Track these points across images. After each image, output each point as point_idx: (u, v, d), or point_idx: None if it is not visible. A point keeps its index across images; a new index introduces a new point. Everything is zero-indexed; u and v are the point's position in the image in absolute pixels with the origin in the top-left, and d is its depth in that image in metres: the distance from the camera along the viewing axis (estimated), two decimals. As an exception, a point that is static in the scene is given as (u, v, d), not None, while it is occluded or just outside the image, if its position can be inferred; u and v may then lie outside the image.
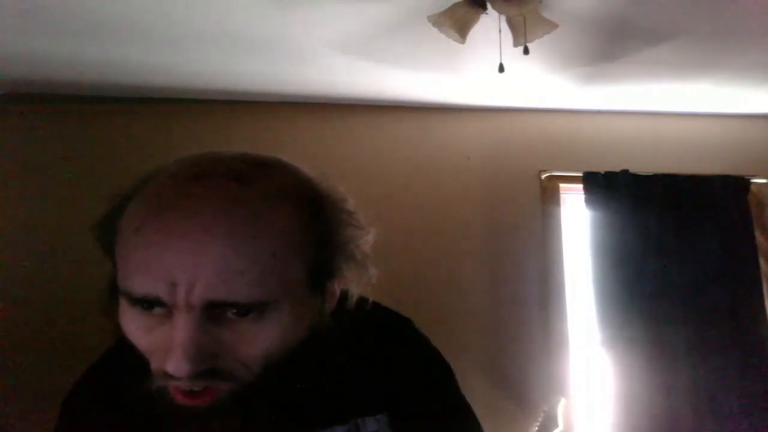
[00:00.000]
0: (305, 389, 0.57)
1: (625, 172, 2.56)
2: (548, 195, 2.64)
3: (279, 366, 0.51)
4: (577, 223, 2.63)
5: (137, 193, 0.52)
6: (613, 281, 2.47)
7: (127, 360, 0.54)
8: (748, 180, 2.63)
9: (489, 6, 1.59)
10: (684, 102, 2.63)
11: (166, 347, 0.47)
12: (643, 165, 2.61)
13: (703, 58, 2.15)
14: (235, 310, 0.48)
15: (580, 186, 2.58)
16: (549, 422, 2.17)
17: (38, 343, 2.22)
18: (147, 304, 0.48)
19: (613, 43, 2.00)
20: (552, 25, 1.61)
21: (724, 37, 1.97)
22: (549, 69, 2.23)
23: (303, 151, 2.62)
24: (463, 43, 1.65)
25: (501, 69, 1.74)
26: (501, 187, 2.62)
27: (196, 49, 2.04)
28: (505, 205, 2.61)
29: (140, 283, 0.47)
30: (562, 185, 2.65)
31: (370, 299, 0.63)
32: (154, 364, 0.49)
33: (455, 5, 1.59)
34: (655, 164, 2.64)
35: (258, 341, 0.49)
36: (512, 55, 1.79)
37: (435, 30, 1.64)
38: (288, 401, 0.57)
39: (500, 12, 1.58)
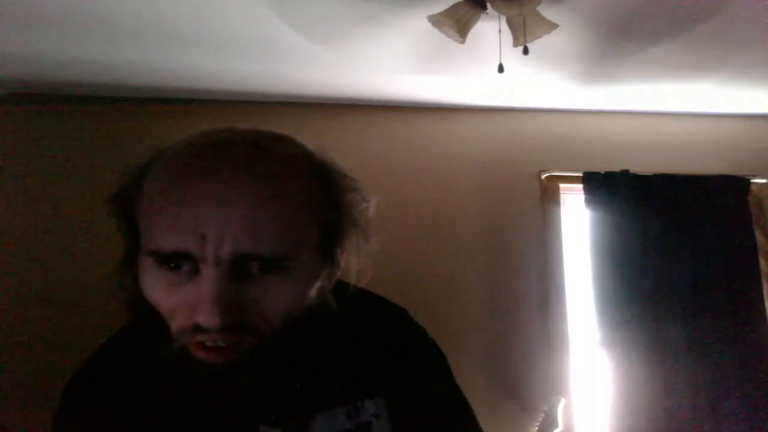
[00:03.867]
0: (308, 368, 0.59)
1: (625, 172, 2.56)
2: (548, 195, 2.64)
3: (294, 326, 0.54)
4: (577, 223, 2.63)
5: (154, 163, 0.55)
6: (613, 281, 2.47)
7: (141, 335, 0.56)
8: (748, 180, 2.63)
9: (489, 6, 1.59)
10: (684, 102, 2.63)
11: (194, 303, 0.49)
12: (643, 165, 2.61)
13: (703, 58, 2.15)
14: (259, 265, 0.51)
15: (580, 186, 2.58)
16: (549, 422, 2.17)
17: (38, 343, 2.22)
18: (175, 261, 0.50)
19: (613, 43, 2.00)
20: (552, 25, 1.61)
21: (724, 37, 1.97)
22: (549, 69, 2.23)
23: (303, 151, 2.62)
24: (463, 43, 1.64)
25: (501, 69, 1.74)
26: (501, 187, 2.62)
27: (195, 49, 2.04)
28: (505, 205, 2.61)
29: (170, 239, 0.49)
30: (562, 185, 2.65)
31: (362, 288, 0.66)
32: (178, 324, 0.51)
33: (455, 5, 1.59)
34: (655, 164, 2.64)
35: (279, 297, 0.52)
36: (512, 55, 1.79)
37: (435, 30, 1.65)
38: (291, 382, 0.59)
39: (500, 12, 1.58)
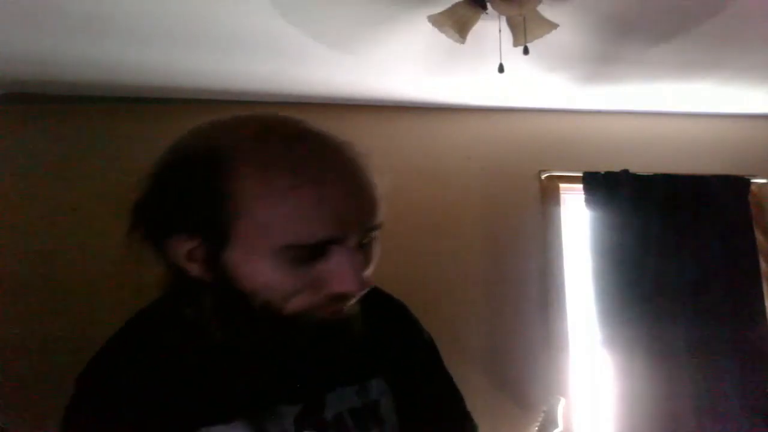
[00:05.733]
0: (331, 344, 0.61)
1: (625, 172, 2.56)
2: (548, 195, 2.64)
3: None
4: (577, 223, 2.63)
5: (228, 166, 0.53)
6: (613, 281, 2.47)
7: (174, 311, 0.61)
8: (748, 180, 2.63)
9: (489, 6, 1.59)
10: (684, 102, 2.63)
11: (331, 277, 0.55)
12: (643, 165, 2.61)
13: (704, 58, 2.15)
14: (373, 234, 0.58)
15: (580, 186, 2.58)
16: (549, 422, 2.17)
17: (38, 343, 2.22)
18: (315, 248, 0.54)
19: (613, 43, 2.00)
20: (552, 25, 1.61)
21: (724, 37, 1.97)
22: (549, 69, 2.23)
23: (303, 151, 2.62)
24: (463, 43, 1.64)
25: (501, 69, 1.74)
26: (501, 187, 2.62)
27: (195, 49, 2.04)
28: (505, 205, 2.61)
29: (314, 232, 0.52)
30: (562, 185, 2.65)
31: None
32: (307, 300, 0.55)
33: (455, 5, 1.59)
34: (655, 164, 2.64)
35: (374, 263, 0.60)
36: (512, 55, 1.79)
37: (435, 30, 1.64)
38: (314, 358, 0.62)
39: (500, 12, 1.58)
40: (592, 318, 2.48)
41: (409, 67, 2.21)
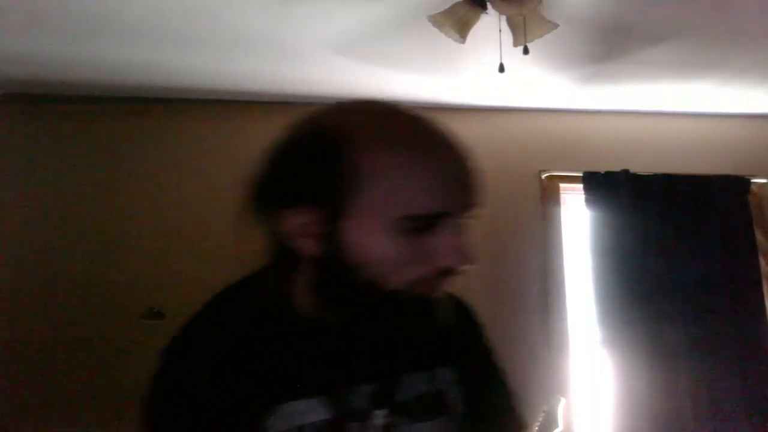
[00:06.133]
0: (407, 328, 0.63)
1: (625, 172, 2.56)
2: (548, 195, 2.64)
3: None
4: (577, 223, 2.63)
5: (354, 141, 0.56)
6: (613, 281, 2.47)
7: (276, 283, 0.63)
8: (748, 180, 2.63)
9: (489, 6, 1.59)
10: (684, 102, 2.63)
11: (440, 251, 0.57)
12: (643, 165, 2.61)
13: (703, 58, 2.15)
14: (472, 214, 0.62)
15: (580, 186, 2.58)
16: (549, 422, 2.17)
17: (38, 344, 2.22)
18: (428, 220, 0.56)
19: (613, 43, 2.00)
20: (552, 25, 1.61)
21: (724, 37, 1.97)
22: (549, 69, 2.23)
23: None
24: (463, 43, 1.65)
25: (501, 69, 1.74)
26: (501, 187, 2.62)
27: (195, 49, 2.04)
28: (505, 205, 2.60)
29: (432, 202, 0.56)
30: (562, 185, 2.65)
31: None
32: (414, 272, 0.57)
33: (455, 5, 1.59)
34: (655, 164, 2.64)
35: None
36: (512, 55, 1.79)
37: (435, 30, 1.64)
38: (390, 340, 0.64)
39: (500, 12, 1.58)
40: (592, 318, 2.48)
41: (409, 67, 2.21)
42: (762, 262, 2.57)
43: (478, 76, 2.30)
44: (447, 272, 0.59)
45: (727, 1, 1.72)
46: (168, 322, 2.31)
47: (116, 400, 2.19)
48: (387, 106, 0.62)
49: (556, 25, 1.62)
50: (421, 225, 0.56)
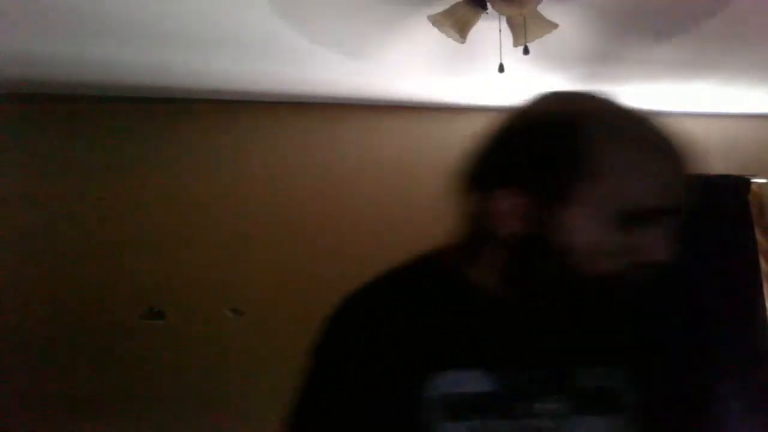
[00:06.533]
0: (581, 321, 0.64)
1: (625, 172, 2.56)
2: (548, 195, 2.63)
3: None
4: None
5: (587, 132, 0.59)
6: (613, 281, 2.46)
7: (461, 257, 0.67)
8: (748, 180, 2.62)
9: (489, 6, 1.59)
10: (684, 102, 2.62)
11: (647, 244, 0.58)
12: (643, 165, 2.61)
13: (704, 58, 2.15)
14: (678, 214, 0.61)
15: (580, 186, 2.57)
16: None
17: (38, 344, 2.22)
18: (644, 215, 0.57)
19: (614, 42, 2.00)
20: (552, 25, 1.61)
21: (724, 37, 1.97)
22: (549, 69, 2.23)
23: (303, 151, 2.63)
24: (463, 42, 1.64)
25: (501, 69, 1.74)
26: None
27: (195, 49, 2.04)
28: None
29: (651, 198, 0.57)
30: (562, 185, 2.65)
31: None
32: (618, 262, 0.58)
33: (455, 5, 1.59)
34: (655, 164, 2.63)
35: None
36: (512, 55, 1.79)
37: (435, 30, 1.64)
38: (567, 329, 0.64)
39: (500, 12, 1.58)
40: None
41: (409, 67, 2.21)
42: (762, 262, 2.57)
43: (478, 76, 2.30)
44: (647, 266, 0.60)
45: (727, 1, 1.72)
46: (168, 322, 2.31)
47: (116, 400, 2.19)
48: (617, 101, 0.65)
49: (556, 25, 1.62)
50: (637, 219, 0.57)
